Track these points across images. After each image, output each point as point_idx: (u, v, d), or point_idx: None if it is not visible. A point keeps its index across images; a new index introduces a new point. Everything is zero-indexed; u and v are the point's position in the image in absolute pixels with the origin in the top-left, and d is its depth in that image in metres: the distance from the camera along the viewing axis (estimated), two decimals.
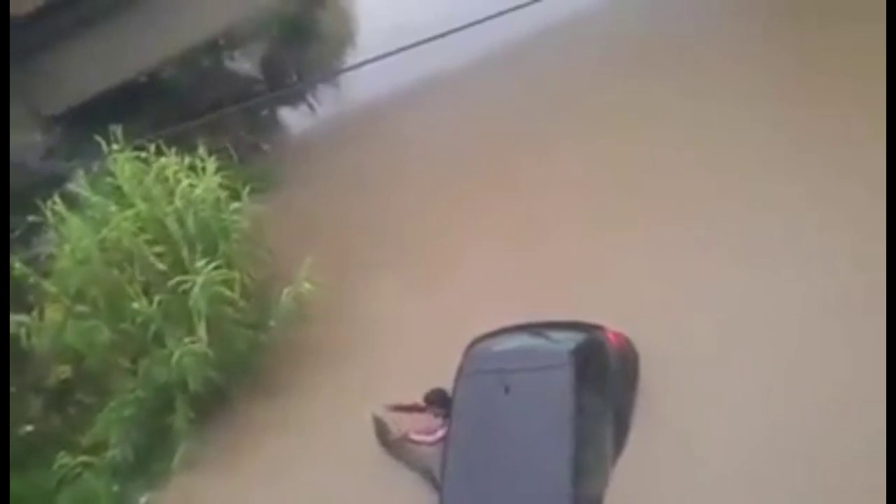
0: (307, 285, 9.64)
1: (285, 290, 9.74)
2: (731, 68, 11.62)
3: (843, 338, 8.11)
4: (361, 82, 13.98)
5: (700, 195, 9.96)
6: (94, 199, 10.14)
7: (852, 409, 7.52)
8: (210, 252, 9.90)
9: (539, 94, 12.63)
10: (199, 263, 9.48)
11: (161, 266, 9.61)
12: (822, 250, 8.87)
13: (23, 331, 9.66)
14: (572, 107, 12.07)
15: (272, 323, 9.86)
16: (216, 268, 9.55)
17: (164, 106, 13.17)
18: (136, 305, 9.52)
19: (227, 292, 9.57)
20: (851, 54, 10.67)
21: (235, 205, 10.20)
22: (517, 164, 11.49)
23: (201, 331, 9.34)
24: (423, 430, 8.48)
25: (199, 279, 9.37)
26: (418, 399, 8.56)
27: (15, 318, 9.82)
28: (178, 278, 9.47)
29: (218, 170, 10.26)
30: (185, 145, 10.45)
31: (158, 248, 9.74)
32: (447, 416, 8.30)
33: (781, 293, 8.66)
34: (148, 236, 9.77)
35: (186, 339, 9.30)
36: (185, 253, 9.80)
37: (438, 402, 8.46)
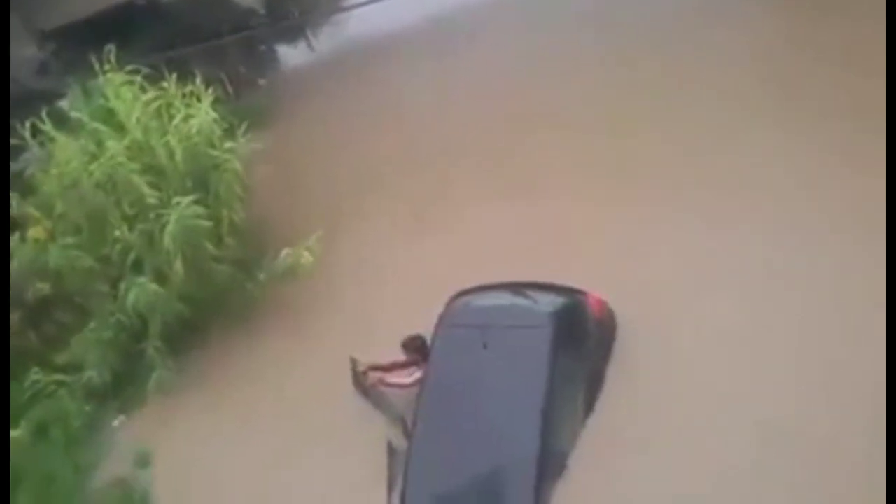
0: (307, 255, 9.63)
1: (284, 252, 9.75)
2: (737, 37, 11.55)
3: (828, 310, 8.22)
4: (362, 22, 13.78)
5: (702, 166, 9.95)
6: (86, 120, 10.00)
7: (840, 383, 7.64)
8: (200, 187, 9.88)
9: (548, 40, 12.38)
10: (176, 199, 9.44)
11: (152, 199, 9.55)
12: (813, 225, 8.93)
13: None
14: (582, 58, 11.92)
15: (262, 276, 9.86)
16: (198, 203, 9.52)
17: (162, 30, 12.98)
18: (117, 233, 9.52)
19: (207, 229, 9.56)
20: (852, 45, 10.62)
21: (229, 144, 10.12)
22: (520, 117, 11.32)
23: (177, 265, 9.36)
24: (400, 373, 8.59)
25: (174, 214, 9.34)
26: (399, 355, 8.65)
27: None
28: (156, 212, 9.45)
29: (213, 102, 10.15)
30: (181, 73, 10.30)
31: (148, 178, 9.67)
32: (424, 361, 8.42)
33: (772, 267, 8.73)
34: (138, 165, 9.69)
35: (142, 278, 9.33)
36: (173, 185, 9.78)
37: (417, 348, 8.57)
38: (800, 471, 7.27)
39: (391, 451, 8.31)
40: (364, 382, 8.92)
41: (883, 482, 5.88)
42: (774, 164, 9.62)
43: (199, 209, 9.51)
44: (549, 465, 7.69)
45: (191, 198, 9.49)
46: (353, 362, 9.00)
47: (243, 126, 10.21)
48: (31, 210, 9.90)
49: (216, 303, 9.87)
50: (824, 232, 8.79)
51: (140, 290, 9.31)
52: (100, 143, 9.89)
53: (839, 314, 8.11)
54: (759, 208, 9.27)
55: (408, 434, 8.30)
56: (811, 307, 8.28)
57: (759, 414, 7.64)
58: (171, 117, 10.00)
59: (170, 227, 9.31)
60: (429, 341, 8.48)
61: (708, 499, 7.29)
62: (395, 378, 8.63)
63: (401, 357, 8.71)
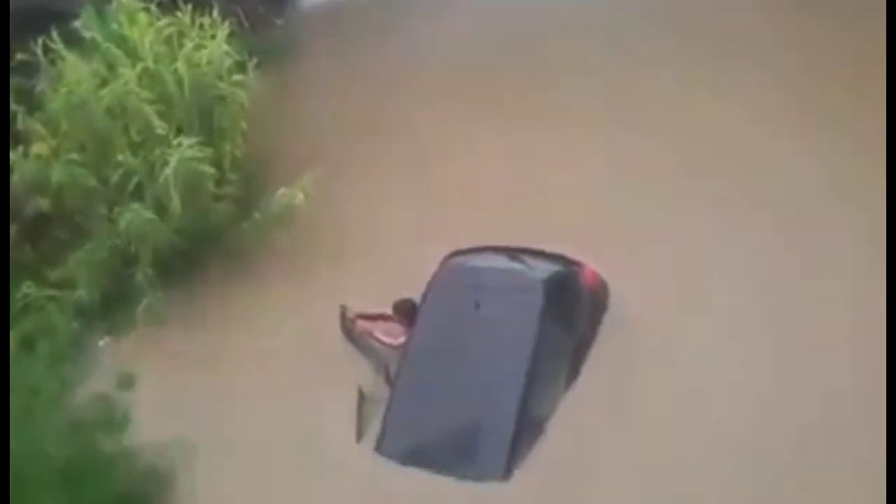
0: (301, 196, 9.68)
1: (279, 191, 9.79)
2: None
3: (826, 291, 8.44)
4: None
5: (717, 142, 10.05)
6: (100, 41, 10.00)
7: (835, 362, 7.86)
8: (205, 119, 9.94)
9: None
10: (178, 140, 9.48)
11: (160, 129, 9.60)
12: (824, 213, 9.09)
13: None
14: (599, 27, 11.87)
15: (257, 215, 9.91)
16: (202, 135, 9.57)
17: None
18: (120, 157, 9.57)
19: (208, 170, 9.60)
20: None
21: (238, 76, 10.16)
22: (542, 84, 11.25)
23: (175, 202, 9.42)
24: (388, 331, 8.78)
25: (176, 154, 9.38)
26: (388, 308, 8.81)
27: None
28: (160, 148, 9.50)
29: (228, 36, 10.17)
30: (197, 4, 10.28)
31: (158, 107, 9.70)
32: (410, 326, 8.60)
33: (771, 249, 8.92)
34: (149, 94, 9.71)
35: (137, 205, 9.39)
36: (179, 116, 9.84)
37: (406, 312, 8.72)
38: (788, 447, 7.47)
39: (361, 396, 8.50)
40: (352, 330, 9.09)
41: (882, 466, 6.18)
42: (786, 149, 9.77)
43: (201, 151, 9.53)
44: (526, 427, 7.91)
45: (194, 139, 9.52)
46: (343, 309, 9.16)
47: (254, 61, 10.22)
48: (37, 126, 9.90)
49: (213, 239, 9.94)
50: (834, 220, 8.95)
51: (134, 216, 9.36)
52: (111, 68, 9.90)
53: (839, 295, 8.30)
54: (768, 192, 9.42)
55: (390, 382, 8.52)
56: (808, 287, 8.48)
57: (748, 392, 7.85)
58: (183, 46, 10.00)
59: (171, 165, 9.34)
60: (420, 299, 8.62)
61: (686, 471, 7.49)
62: (384, 336, 8.80)
63: (388, 311, 8.86)
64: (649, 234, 9.20)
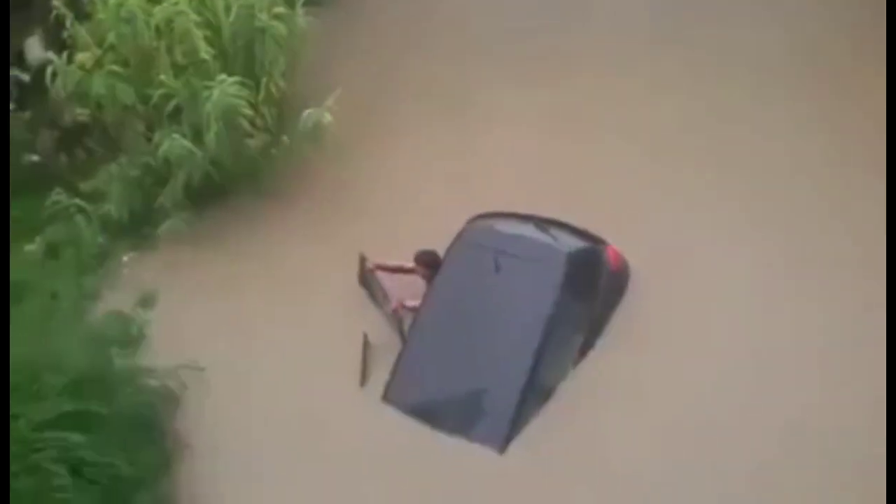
0: (328, 116, 9.67)
1: (305, 112, 9.79)
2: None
3: (844, 277, 8.55)
4: None
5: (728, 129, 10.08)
6: None
7: (850, 354, 8.00)
8: (247, 51, 9.92)
9: None
10: (221, 77, 9.47)
11: (205, 54, 9.58)
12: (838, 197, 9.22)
13: (49, 69, 9.71)
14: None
15: (285, 138, 9.94)
16: (241, 82, 9.53)
17: None
18: (163, 77, 9.59)
19: (246, 111, 9.59)
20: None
21: (279, 9, 10.05)
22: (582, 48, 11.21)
23: (210, 136, 9.46)
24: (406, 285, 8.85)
25: (216, 90, 9.38)
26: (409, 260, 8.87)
27: (45, 55, 9.97)
28: (203, 82, 9.49)
29: None
30: None
31: (204, 32, 9.68)
32: (433, 278, 8.65)
33: (786, 230, 9.02)
34: (196, 17, 9.68)
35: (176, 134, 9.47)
36: (224, 44, 9.83)
37: (428, 263, 8.76)
38: (797, 427, 7.63)
39: (366, 343, 8.61)
40: (370, 280, 9.15)
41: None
42: (798, 131, 9.86)
43: (241, 89, 9.51)
44: (533, 395, 8.00)
45: (236, 78, 9.51)
46: (362, 258, 9.21)
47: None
48: (84, 34, 9.90)
49: (244, 170, 9.99)
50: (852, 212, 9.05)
51: (174, 144, 9.43)
52: None
53: (857, 279, 8.42)
54: (784, 173, 9.51)
55: (402, 335, 8.61)
56: (823, 273, 8.60)
57: (758, 381, 7.97)
58: None
59: (212, 99, 9.35)
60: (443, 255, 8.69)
61: (688, 448, 7.65)
62: (406, 300, 8.78)
63: (408, 263, 8.91)
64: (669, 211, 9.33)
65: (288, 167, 10.08)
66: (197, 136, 9.56)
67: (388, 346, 8.60)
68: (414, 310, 8.63)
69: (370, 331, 8.70)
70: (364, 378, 8.53)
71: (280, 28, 9.99)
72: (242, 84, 9.55)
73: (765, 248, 8.89)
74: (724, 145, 9.89)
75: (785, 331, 8.26)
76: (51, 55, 9.82)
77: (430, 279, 8.70)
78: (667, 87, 10.55)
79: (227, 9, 9.88)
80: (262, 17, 9.92)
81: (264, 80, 9.92)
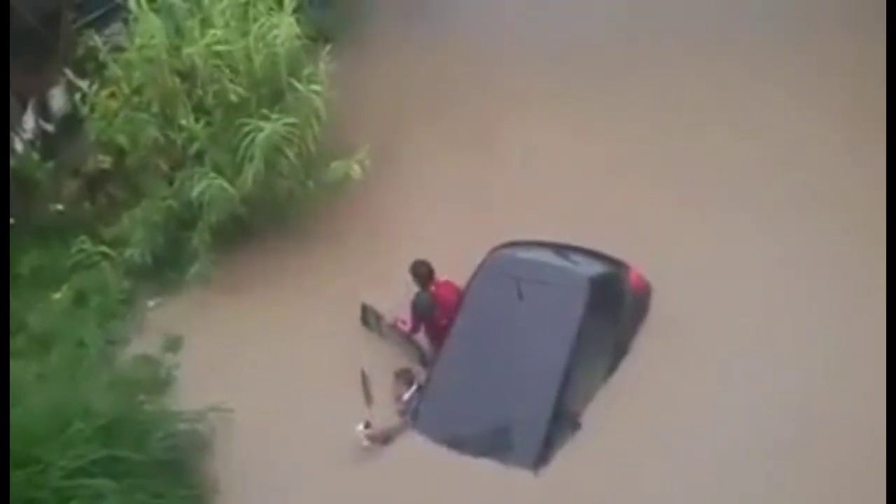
0: (357, 168, 9.66)
1: (333, 164, 9.77)
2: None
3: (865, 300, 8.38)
4: None
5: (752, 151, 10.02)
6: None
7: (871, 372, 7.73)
8: (276, 98, 9.87)
9: None
10: (268, 112, 9.47)
11: (233, 97, 9.62)
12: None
13: (78, 97, 9.92)
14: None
15: (311, 184, 9.90)
16: (285, 124, 9.48)
17: None
18: (184, 122, 9.68)
19: (286, 148, 9.58)
20: None
21: (308, 70, 9.92)
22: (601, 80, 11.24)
23: (249, 172, 9.45)
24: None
25: (267, 128, 9.37)
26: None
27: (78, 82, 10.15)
28: (241, 120, 9.50)
29: (295, 10, 10.01)
30: None
31: (228, 76, 9.72)
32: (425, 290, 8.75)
33: (809, 256, 8.90)
34: (220, 62, 9.73)
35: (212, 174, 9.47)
36: (247, 92, 9.76)
37: (421, 274, 8.80)
38: (819, 454, 7.51)
39: (364, 377, 8.68)
40: (378, 327, 9.20)
41: None
42: (818, 150, 9.78)
43: (291, 129, 9.52)
44: (561, 422, 7.97)
45: (286, 119, 9.46)
46: (365, 307, 9.25)
47: (327, 48, 10.15)
48: (115, 68, 9.98)
49: (271, 210, 10.01)
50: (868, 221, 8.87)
51: (208, 185, 9.45)
52: (178, 31, 9.93)
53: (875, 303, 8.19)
54: (802, 196, 9.41)
55: (425, 363, 8.72)
56: (846, 296, 8.48)
57: (779, 399, 7.87)
58: (254, 19, 9.91)
59: (263, 135, 9.34)
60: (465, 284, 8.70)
61: (712, 475, 7.57)
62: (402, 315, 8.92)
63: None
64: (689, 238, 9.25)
65: (313, 208, 10.12)
66: (221, 175, 9.57)
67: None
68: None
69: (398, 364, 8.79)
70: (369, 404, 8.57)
71: (316, 87, 9.87)
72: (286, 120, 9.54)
73: (788, 265, 8.82)
74: (740, 163, 9.86)
75: (813, 350, 8.14)
76: (82, 83, 10.02)
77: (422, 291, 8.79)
78: (680, 113, 10.56)
79: (248, 57, 9.80)
80: (296, 66, 9.91)
81: (299, 132, 9.76)
